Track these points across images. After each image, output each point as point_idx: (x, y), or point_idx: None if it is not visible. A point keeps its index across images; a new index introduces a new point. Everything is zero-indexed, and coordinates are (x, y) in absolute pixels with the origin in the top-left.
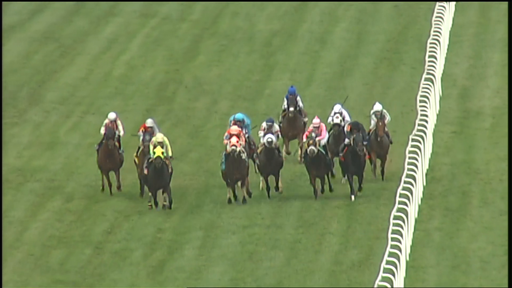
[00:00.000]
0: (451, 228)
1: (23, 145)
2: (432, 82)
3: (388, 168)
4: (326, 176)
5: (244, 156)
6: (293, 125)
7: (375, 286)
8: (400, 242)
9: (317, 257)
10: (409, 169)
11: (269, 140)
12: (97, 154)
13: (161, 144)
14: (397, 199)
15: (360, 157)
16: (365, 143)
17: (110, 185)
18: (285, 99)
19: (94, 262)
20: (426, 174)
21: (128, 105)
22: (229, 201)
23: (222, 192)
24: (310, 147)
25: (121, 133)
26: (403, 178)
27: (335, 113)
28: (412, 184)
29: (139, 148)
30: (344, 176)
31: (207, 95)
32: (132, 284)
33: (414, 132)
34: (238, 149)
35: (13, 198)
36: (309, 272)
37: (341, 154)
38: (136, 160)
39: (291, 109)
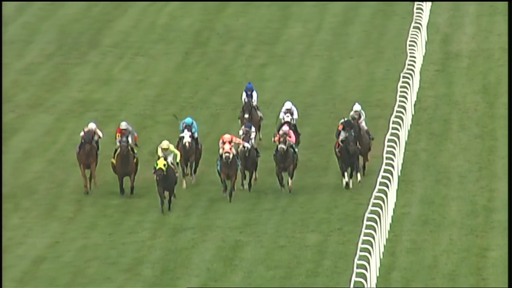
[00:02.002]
0: (435, 149)
1: (84, 81)
2: (419, 30)
3: (383, 100)
4: (291, 169)
5: (235, 158)
6: (249, 121)
7: (373, 196)
8: (393, 160)
9: (325, 173)
10: (400, 101)
11: (246, 147)
12: (77, 154)
13: (167, 151)
14: (391, 125)
15: (354, 153)
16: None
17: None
18: (243, 93)
19: (141, 176)
20: (414, 105)
21: (170, 48)
22: (224, 191)
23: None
24: (280, 145)
25: (101, 135)
26: (396, 108)
27: (286, 110)
28: (402, 113)
29: (116, 150)
30: (342, 175)
31: (235, 40)
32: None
33: (405, 70)
34: (230, 155)
35: (76, 125)
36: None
37: (337, 150)
38: (113, 161)
39: (246, 116)
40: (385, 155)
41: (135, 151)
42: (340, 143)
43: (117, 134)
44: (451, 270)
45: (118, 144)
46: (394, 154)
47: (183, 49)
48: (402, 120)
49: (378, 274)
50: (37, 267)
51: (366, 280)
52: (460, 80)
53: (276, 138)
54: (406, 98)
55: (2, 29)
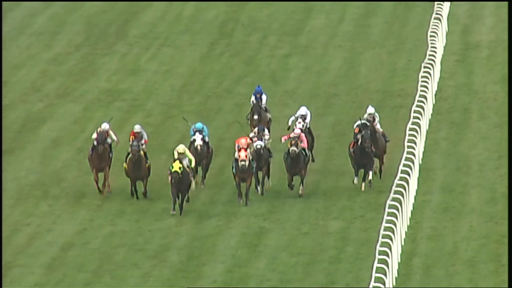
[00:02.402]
0: (455, 138)
1: (111, 72)
2: (440, 21)
3: (405, 89)
4: (303, 174)
5: (252, 164)
6: (259, 122)
7: (394, 184)
8: (414, 149)
9: (348, 162)
10: (421, 90)
11: (258, 146)
12: (89, 158)
13: (183, 156)
14: (412, 114)
15: (368, 152)
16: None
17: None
18: (252, 96)
19: (167, 164)
20: (435, 94)
21: (195, 39)
22: (239, 196)
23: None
24: (292, 148)
25: (115, 139)
26: (417, 98)
27: (301, 115)
28: (423, 102)
29: (128, 154)
30: (355, 175)
31: (259, 31)
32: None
33: (425, 60)
34: (246, 163)
35: (103, 114)
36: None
37: (352, 150)
38: (125, 165)
39: (255, 117)
40: (406, 144)
41: (147, 155)
42: (355, 143)
43: (131, 137)
44: (471, 257)
45: (130, 149)
46: (415, 143)
47: (209, 40)
48: (423, 109)
49: (399, 260)
50: (65, 254)
51: (387, 266)
52: (480, 70)
53: (284, 138)
54: (427, 88)
55: (2, 29)
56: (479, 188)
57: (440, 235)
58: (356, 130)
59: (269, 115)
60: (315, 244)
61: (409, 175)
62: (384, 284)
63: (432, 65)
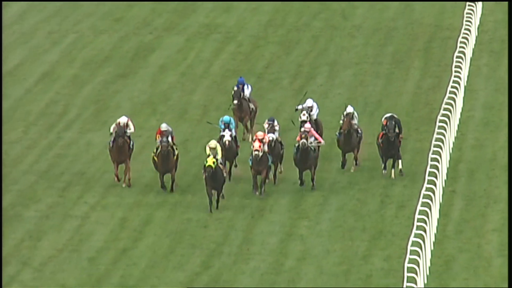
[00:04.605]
0: (494, 64)
1: (209, 9)
2: None
3: (453, 24)
4: (313, 168)
5: (267, 155)
6: (241, 111)
7: (444, 102)
8: (460, 73)
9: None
10: (466, 24)
11: (271, 138)
12: (110, 150)
13: (214, 151)
14: (458, 44)
15: (392, 142)
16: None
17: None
18: (235, 87)
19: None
20: (477, 28)
21: None
22: (255, 189)
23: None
24: (302, 140)
25: (132, 130)
26: (462, 30)
27: (308, 107)
28: (468, 34)
29: (157, 148)
30: (382, 162)
31: None
32: None
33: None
34: (260, 153)
35: (202, 45)
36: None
37: (380, 141)
38: (155, 158)
39: (235, 101)
40: (453, 69)
41: (175, 149)
42: (384, 134)
43: (157, 135)
44: (508, 163)
45: (158, 143)
46: (461, 68)
47: None
48: (467, 40)
49: (448, 166)
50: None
51: (438, 171)
52: None
53: (298, 138)
54: (471, 22)
55: (2, 28)
56: None
57: (481, 145)
58: (384, 122)
59: (252, 106)
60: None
61: (456, 94)
62: (435, 185)
63: (475, 3)
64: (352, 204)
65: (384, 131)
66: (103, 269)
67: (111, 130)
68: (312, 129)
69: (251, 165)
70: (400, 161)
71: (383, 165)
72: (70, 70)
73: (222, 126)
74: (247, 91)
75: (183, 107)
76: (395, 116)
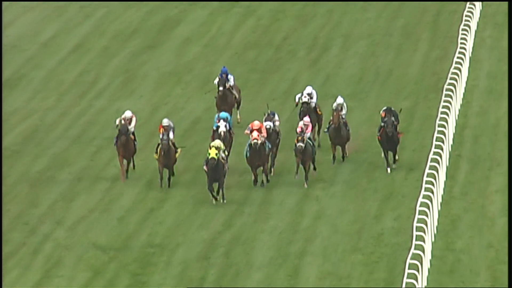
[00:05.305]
0: (498, 35)
1: None
2: None
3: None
4: (311, 164)
5: (265, 146)
6: (224, 101)
7: (450, 72)
8: (465, 44)
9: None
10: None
11: (268, 126)
12: (116, 145)
13: (219, 149)
14: (464, 17)
15: (392, 136)
16: (395, 123)
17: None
18: (218, 76)
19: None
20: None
21: None
22: (254, 182)
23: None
24: (298, 143)
25: (132, 125)
26: (467, 4)
27: (307, 94)
28: (473, 8)
29: (158, 145)
30: (383, 152)
31: None
32: None
33: None
34: (259, 142)
35: (224, 18)
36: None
37: (378, 134)
38: (155, 156)
39: (221, 88)
40: (459, 41)
41: (176, 145)
42: (382, 128)
43: (160, 130)
44: (510, 129)
45: (160, 141)
46: (466, 40)
47: None
48: (472, 13)
49: (454, 131)
50: (195, 126)
51: (444, 136)
52: None
53: (299, 129)
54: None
55: (2, 28)
56: None
57: (485, 112)
58: (383, 115)
59: (236, 94)
60: None
61: (461, 64)
62: (442, 149)
63: None
64: (364, 167)
65: (383, 126)
66: (131, 228)
67: (117, 122)
68: (309, 125)
69: (247, 157)
70: (396, 155)
71: (386, 160)
72: (101, 42)
73: (216, 121)
74: (232, 81)
75: (206, 77)
76: (392, 109)
